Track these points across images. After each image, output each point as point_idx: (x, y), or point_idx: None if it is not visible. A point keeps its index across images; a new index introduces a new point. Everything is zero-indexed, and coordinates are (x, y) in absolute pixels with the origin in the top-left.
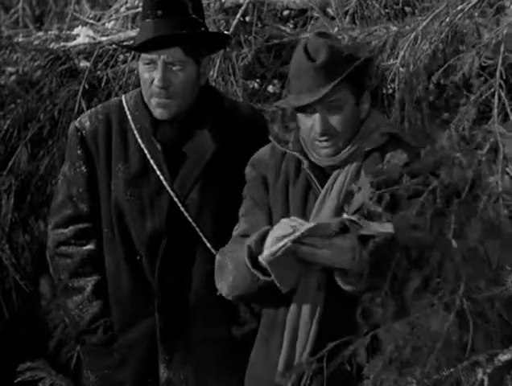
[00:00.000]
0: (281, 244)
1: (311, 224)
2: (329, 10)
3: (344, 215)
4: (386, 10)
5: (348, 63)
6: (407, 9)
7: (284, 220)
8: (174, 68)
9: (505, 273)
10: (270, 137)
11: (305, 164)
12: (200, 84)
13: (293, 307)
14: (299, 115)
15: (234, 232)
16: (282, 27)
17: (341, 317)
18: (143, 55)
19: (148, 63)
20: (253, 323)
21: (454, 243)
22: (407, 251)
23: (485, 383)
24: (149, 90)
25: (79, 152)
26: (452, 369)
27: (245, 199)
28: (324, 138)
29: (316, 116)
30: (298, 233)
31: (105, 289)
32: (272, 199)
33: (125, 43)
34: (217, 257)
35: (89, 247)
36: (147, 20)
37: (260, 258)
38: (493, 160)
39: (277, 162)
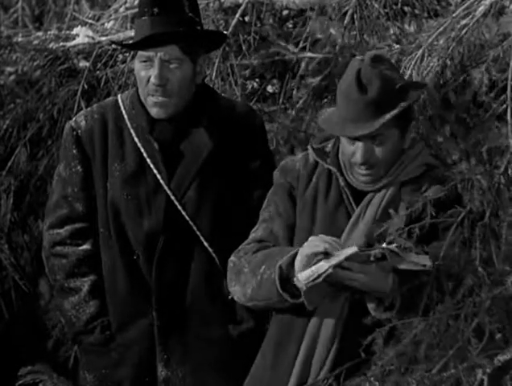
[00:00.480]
0: (322, 269)
1: (352, 249)
2: (328, 10)
3: (384, 245)
4: (386, 10)
5: (399, 97)
6: (407, 9)
7: (313, 238)
8: (171, 66)
9: (505, 273)
10: (309, 148)
11: (341, 182)
12: (197, 82)
13: (315, 321)
14: (342, 138)
15: (252, 234)
16: (283, 44)
17: (363, 337)
18: (140, 53)
19: (145, 61)
20: (250, 322)
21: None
22: (439, 281)
23: (485, 383)
24: (145, 88)
25: (74, 152)
26: (452, 370)
27: (269, 205)
28: (364, 167)
29: (360, 145)
30: (340, 258)
31: (101, 289)
32: (299, 209)
33: (123, 43)
34: (232, 258)
35: (85, 247)
36: (143, 18)
37: (297, 282)
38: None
39: (309, 173)
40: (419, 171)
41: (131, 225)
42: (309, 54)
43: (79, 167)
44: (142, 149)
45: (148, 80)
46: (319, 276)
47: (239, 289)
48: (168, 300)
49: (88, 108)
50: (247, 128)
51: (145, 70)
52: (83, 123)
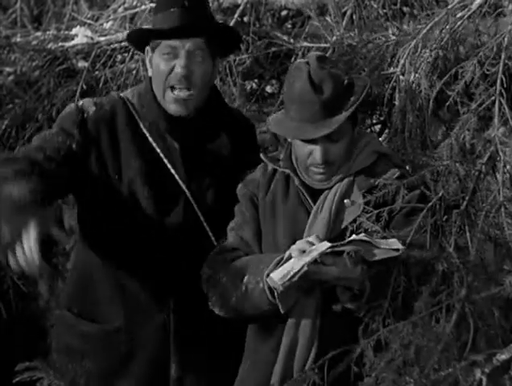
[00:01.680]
0: (297, 267)
1: (324, 246)
2: (327, 11)
3: (353, 236)
4: (385, 11)
5: (348, 92)
6: (406, 9)
7: (300, 242)
8: (195, 59)
9: (502, 273)
10: (262, 156)
11: (296, 181)
12: (212, 83)
13: (290, 326)
14: (296, 141)
15: (221, 244)
16: (280, 35)
17: (339, 334)
18: (164, 45)
19: (168, 53)
20: None
21: (454, 254)
22: (407, 268)
23: (484, 383)
24: (166, 82)
25: (74, 131)
26: (450, 369)
27: (236, 215)
28: (322, 166)
29: (318, 147)
30: (313, 256)
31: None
32: (261, 215)
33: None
34: (206, 270)
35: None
36: (172, 9)
37: (271, 282)
38: (492, 168)
39: (268, 181)
40: (370, 160)
41: (149, 225)
42: (305, 43)
43: (74, 146)
44: (159, 150)
45: (169, 72)
46: (294, 274)
47: (219, 301)
48: (185, 300)
49: (95, 98)
50: (249, 132)
51: (167, 62)
52: (92, 108)
